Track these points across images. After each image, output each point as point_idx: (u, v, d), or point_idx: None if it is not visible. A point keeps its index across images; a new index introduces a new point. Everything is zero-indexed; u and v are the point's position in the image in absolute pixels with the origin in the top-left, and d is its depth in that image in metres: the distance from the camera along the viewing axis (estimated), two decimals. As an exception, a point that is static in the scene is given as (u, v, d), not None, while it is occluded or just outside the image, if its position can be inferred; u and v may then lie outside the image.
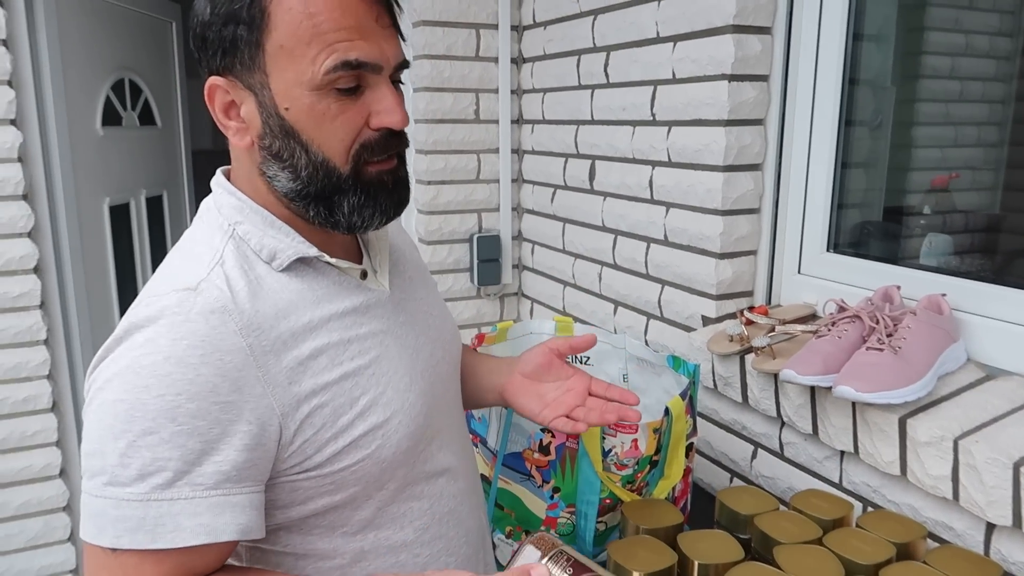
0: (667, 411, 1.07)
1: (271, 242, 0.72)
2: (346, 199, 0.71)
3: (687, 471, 1.17)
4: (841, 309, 1.12)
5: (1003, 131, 1.31)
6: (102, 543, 0.64)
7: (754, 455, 1.28)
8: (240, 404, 0.65)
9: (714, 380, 1.30)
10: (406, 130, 0.74)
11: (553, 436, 1.05)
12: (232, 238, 0.72)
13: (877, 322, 1.05)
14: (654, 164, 1.50)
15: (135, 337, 0.65)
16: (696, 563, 0.90)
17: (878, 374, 0.98)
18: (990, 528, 0.93)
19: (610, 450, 1.05)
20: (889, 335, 1.03)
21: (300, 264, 0.73)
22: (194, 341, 0.64)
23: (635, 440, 1.04)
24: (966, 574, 0.86)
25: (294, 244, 0.72)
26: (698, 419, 1.40)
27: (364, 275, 0.78)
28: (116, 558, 0.64)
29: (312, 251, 0.72)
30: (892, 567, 0.88)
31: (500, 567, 1.10)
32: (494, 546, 1.09)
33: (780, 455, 1.23)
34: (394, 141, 0.72)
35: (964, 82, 1.35)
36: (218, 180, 0.76)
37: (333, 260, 0.74)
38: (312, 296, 0.72)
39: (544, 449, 1.05)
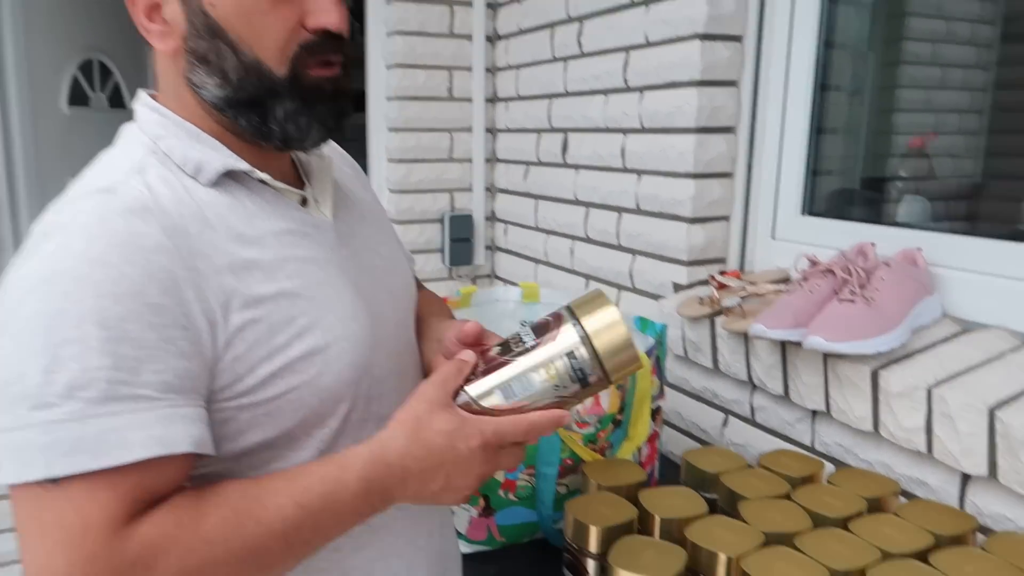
0: (631, 367, 1.02)
1: (196, 155, 0.67)
2: (280, 104, 0.66)
3: (654, 436, 1.12)
4: (813, 264, 1.08)
5: (984, 96, 1.28)
6: (32, 476, 0.54)
7: (725, 423, 1.24)
8: (171, 308, 0.59)
9: (684, 347, 1.26)
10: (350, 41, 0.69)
11: (512, 393, 1.00)
12: (154, 153, 0.67)
13: (850, 274, 1.00)
14: (626, 131, 1.46)
15: (44, 247, 0.60)
16: (658, 518, 0.85)
17: (850, 324, 0.94)
18: (964, 481, 0.88)
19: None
20: (862, 287, 0.99)
21: (230, 181, 0.68)
22: (113, 241, 0.59)
23: (597, 396, 0.99)
24: (940, 526, 0.82)
25: (222, 157, 0.67)
26: (668, 390, 1.36)
27: (304, 202, 0.74)
28: (58, 492, 0.55)
29: (242, 164, 0.68)
30: (862, 520, 0.84)
31: (458, 533, 1.05)
32: (451, 511, 1.03)
33: (751, 421, 1.19)
34: (335, 44, 0.68)
35: (943, 46, 1.32)
36: (140, 98, 0.71)
37: (267, 177, 0.69)
38: (244, 212, 0.67)
39: (502, 406, 1.00)
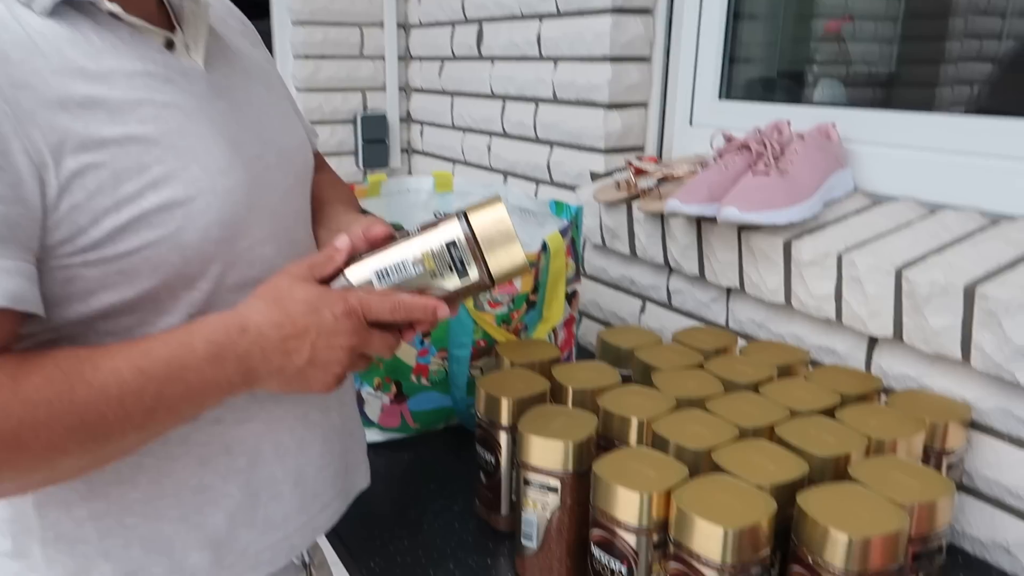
0: (544, 246, 0.99)
1: None
2: None
3: (570, 321, 1.10)
4: (729, 141, 1.06)
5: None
6: None
7: (642, 309, 1.23)
8: None
9: (602, 235, 1.23)
10: None
11: (422, 274, 0.96)
12: None
13: (765, 148, 0.99)
14: (542, 17, 1.39)
15: None
16: (570, 389, 0.83)
17: (763, 195, 0.93)
18: (871, 345, 0.90)
19: (483, 285, 0.96)
20: (776, 159, 0.97)
21: (74, 12, 0.58)
22: None
23: (509, 273, 0.96)
24: (846, 387, 0.83)
25: None
26: (587, 282, 1.34)
27: (171, 45, 0.66)
28: None
29: None
30: (772, 384, 0.84)
31: (370, 422, 1.02)
32: (362, 400, 1.00)
33: (668, 305, 1.18)
34: None
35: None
36: None
37: (117, 9, 0.60)
38: (89, 47, 0.58)
39: (412, 289, 0.96)
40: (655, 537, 0.64)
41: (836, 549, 0.58)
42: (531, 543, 0.76)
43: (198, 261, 0.60)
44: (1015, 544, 0.78)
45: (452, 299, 0.63)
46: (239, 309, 0.58)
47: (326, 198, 0.80)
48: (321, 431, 0.70)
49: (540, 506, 0.74)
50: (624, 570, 0.65)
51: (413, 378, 0.99)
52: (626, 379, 0.89)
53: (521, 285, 0.97)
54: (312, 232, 0.74)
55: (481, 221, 0.62)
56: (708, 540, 0.59)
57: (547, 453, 0.72)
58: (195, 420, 0.60)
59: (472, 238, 0.61)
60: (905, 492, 0.63)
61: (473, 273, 0.62)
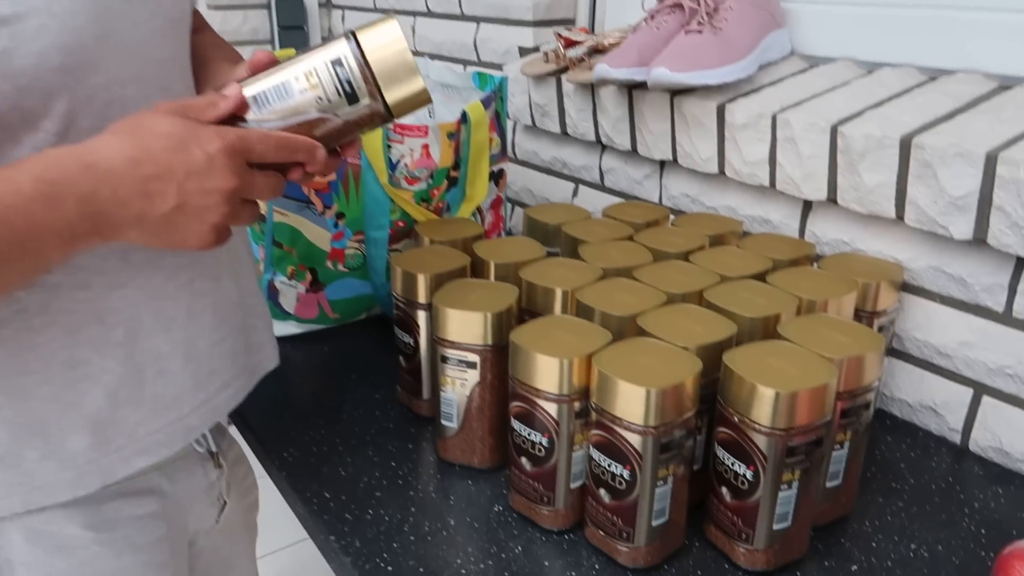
0: (464, 116, 0.92)
1: None
2: None
3: (497, 203, 1.05)
4: (660, 1, 0.98)
5: None
6: None
7: (575, 192, 1.18)
8: None
9: (531, 115, 1.16)
10: None
11: (332, 150, 0.88)
12: None
13: (698, 5, 0.92)
14: None
15: None
16: (492, 263, 0.78)
17: (696, 54, 0.87)
18: (805, 212, 0.86)
19: (398, 161, 0.89)
20: (709, 16, 0.91)
21: None
22: None
23: (425, 146, 0.89)
24: (779, 253, 0.79)
25: None
26: (518, 168, 1.28)
27: None
28: None
29: None
30: (703, 252, 0.80)
31: (286, 314, 0.96)
32: (276, 291, 0.94)
33: (600, 186, 1.13)
34: None
35: None
36: None
37: None
38: None
39: (322, 167, 0.88)
40: (576, 406, 0.61)
41: (763, 406, 0.55)
42: (451, 423, 0.72)
43: (37, 93, 0.51)
44: (942, 404, 0.77)
45: (347, 131, 0.56)
46: (86, 143, 0.49)
47: (210, 56, 0.71)
48: (212, 301, 0.63)
49: (459, 384, 0.70)
50: (545, 442, 0.62)
51: (329, 264, 0.93)
52: (553, 256, 0.85)
53: (440, 158, 0.91)
54: (193, 88, 0.66)
55: (371, 39, 0.54)
56: (630, 403, 0.55)
57: (464, 326, 0.68)
58: (48, 281, 0.53)
59: (361, 58, 0.54)
60: (834, 347, 0.60)
61: (365, 99, 0.55)
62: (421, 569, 0.61)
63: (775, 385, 0.55)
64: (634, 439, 0.56)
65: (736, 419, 0.57)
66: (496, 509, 0.68)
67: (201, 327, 0.63)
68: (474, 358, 0.68)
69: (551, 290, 0.72)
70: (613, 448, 0.57)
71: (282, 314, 0.96)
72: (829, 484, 0.63)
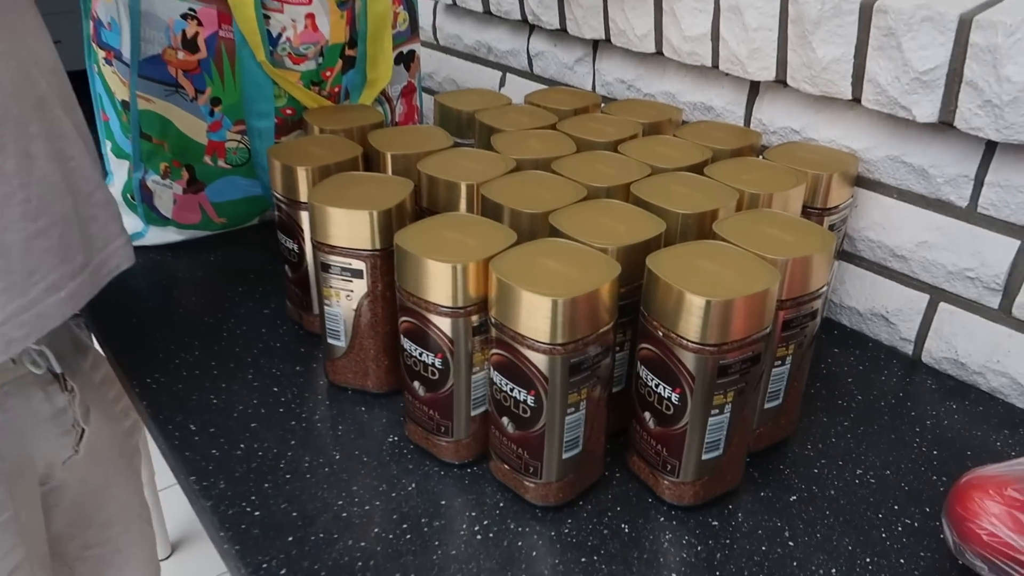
0: (361, -17, 0.78)
1: None
2: None
3: (409, 90, 0.92)
4: None
5: None
6: None
7: (502, 82, 1.05)
8: None
9: (451, -9, 1.02)
10: None
11: (200, 23, 0.74)
12: None
13: None
14: None
15: None
16: (388, 155, 0.67)
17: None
18: (752, 95, 0.76)
19: (279, 35, 0.76)
20: None
21: None
22: None
23: (310, 16, 0.75)
24: (720, 143, 0.69)
25: None
26: (438, 56, 1.14)
27: None
28: None
29: None
30: (635, 142, 0.70)
31: (164, 219, 0.83)
32: (149, 192, 0.81)
33: (529, 73, 1.00)
34: None
35: None
36: None
37: None
38: None
39: (190, 44, 0.74)
40: (474, 320, 0.51)
41: (690, 317, 0.46)
42: (339, 342, 0.62)
43: None
44: (894, 312, 0.70)
45: None
46: None
47: None
48: (20, 183, 0.51)
49: (344, 296, 0.59)
50: (439, 364, 0.52)
51: (207, 160, 0.80)
52: (464, 147, 0.73)
53: (330, 33, 0.77)
54: None
55: None
56: (533, 316, 0.46)
57: (347, 228, 0.57)
58: None
59: None
60: (777, 247, 0.51)
61: None
62: (294, 513, 0.52)
63: (705, 292, 0.45)
64: (539, 360, 0.47)
65: (660, 333, 0.48)
66: (391, 440, 0.59)
67: (7, 218, 0.50)
68: (360, 265, 0.58)
69: (454, 185, 0.61)
70: (515, 370, 0.48)
71: (159, 219, 0.83)
72: (768, 405, 0.55)
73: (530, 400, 0.48)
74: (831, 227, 0.67)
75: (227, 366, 0.67)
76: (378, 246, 0.57)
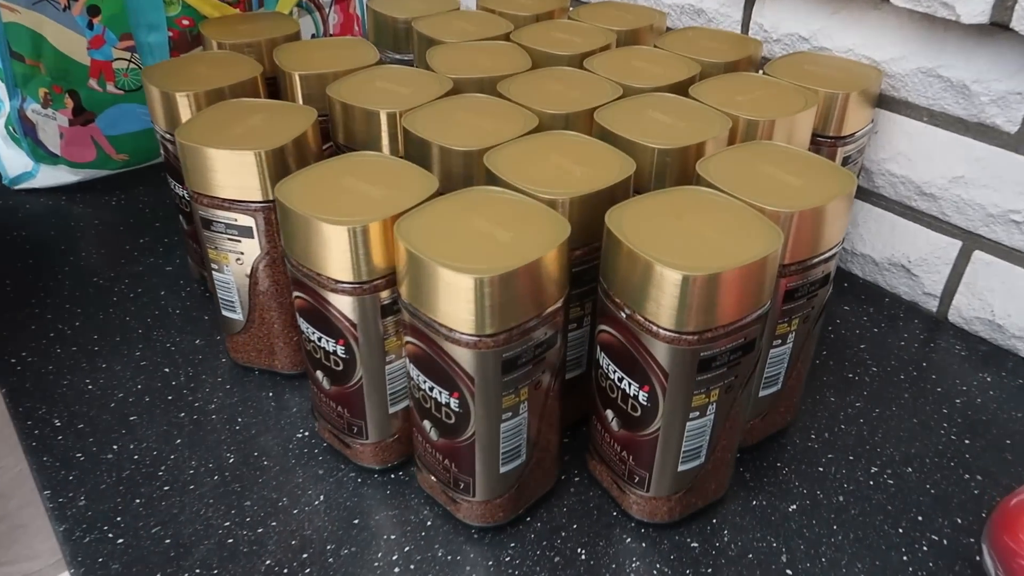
0: None
1: None
2: None
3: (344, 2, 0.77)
4: None
5: None
6: None
7: (458, -16, 0.90)
8: None
9: None
10: None
11: (66, -90, 0.59)
12: None
13: None
14: None
15: None
16: (296, 75, 0.53)
17: None
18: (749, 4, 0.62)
19: (165, -76, 0.61)
20: None
21: None
22: None
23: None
24: (711, 55, 0.56)
25: None
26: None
27: None
28: None
29: None
30: (604, 55, 0.56)
31: (53, 156, 0.70)
32: (31, 124, 0.68)
33: (488, -27, 0.85)
34: None
35: None
36: None
37: None
38: None
39: (57, -63, 0.60)
40: (384, 297, 0.39)
41: (662, 296, 0.34)
42: (235, 314, 0.50)
43: None
44: (918, 261, 0.58)
45: None
46: None
47: None
48: None
49: (235, 259, 0.47)
50: (341, 352, 0.41)
51: (93, 84, 0.66)
52: (397, 64, 0.60)
53: (229, -78, 0.62)
54: None
55: None
56: (451, 299, 0.34)
57: (228, 173, 0.44)
58: None
59: None
60: (781, 194, 0.38)
61: None
62: (167, 540, 0.41)
63: (683, 262, 0.33)
64: (461, 355, 0.35)
65: (623, 315, 0.36)
66: (299, 436, 0.48)
67: None
68: (248, 221, 0.45)
69: (371, 114, 0.48)
70: (433, 366, 0.37)
71: (48, 156, 0.70)
72: (764, 392, 0.44)
73: (454, 404, 0.37)
74: (846, 160, 0.54)
75: (111, 340, 0.55)
76: (271, 196, 0.45)
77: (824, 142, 0.53)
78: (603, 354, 0.39)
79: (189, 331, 0.56)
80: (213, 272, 0.48)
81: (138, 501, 0.43)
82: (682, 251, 0.34)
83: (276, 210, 0.44)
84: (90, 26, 0.63)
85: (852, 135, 0.53)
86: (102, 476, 0.45)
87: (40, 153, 0.70)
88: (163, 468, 0.45)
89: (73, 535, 0.41)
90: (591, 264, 0.41)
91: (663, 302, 0.34)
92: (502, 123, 0.46)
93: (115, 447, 0.47)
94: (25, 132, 0.69)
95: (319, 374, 0.43)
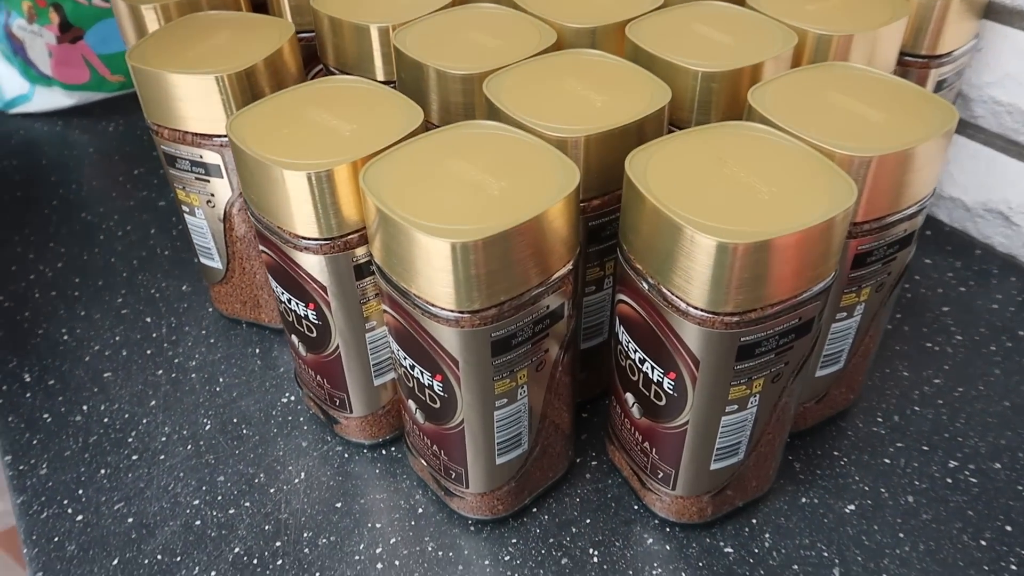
0: None
1: None
2: None
3: None
4: None
5: None
6: None
7: None
8: None
9: None
10: None
11: None
12: None
13: None
14: None
15: None
16: (282, -15, 0.46)
17: None
18: None
19: None
20: None
21: None
22: None
23: None
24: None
25: None
26: None
27: None
28: None
29: None
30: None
31: (45, 78, 0.64)
32: (19, 41, 0.62)
33: None
34: None
35: None
36: None
37: None
38: None
39: None
40: (359, 255, 0.32)
41: (695, 267, 0.26)
42: (214, 262, 0.44)
43: None
44: (1020, 207, 0.49)
45: None
46: None
47: None
48: None
49: (206, 201, 0.41)
50: (313, 316, 0.35)
51: (75, -4, 0.60)
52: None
53: None
54: None
55: None
56: (429, 267, 0.27)
57: (188, 101, 0.37)
58: None
59: None
60: (857, 132, 0.30)
61: None
62: (130, 519, 0.37)
63: (723, 224, 0.26)
64: (444, 334, 0.28)
65: (645, 286, 0.29)
66: (285, 400, 0.43)
67: None
68: (214, 158, 0.39)
69: (360, 29, 0.40)
70: (413, 344, 0.30)
71: (41, 77, 0.64)
72: (821, 372, 0.37)
73: (437, 387, 0.31)
74: (940, 85, 0.44)
75: (93, 284, 0.50)
76: (240, 129, 0.38)
77: (914, 63, 0.43)
78: (622, 328, 0.32)
79: (176, 275, 0.51)
80: (185, 215, 0.43)
81: (103, 472, 0.39)
82: (722, 209, 0.26)
83: (247, 145, 0.38)
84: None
85: (950, 53, 0.44)
86: (67, 441, 0.41)
87: (32, 74, 0.64)
88: (133, 434, 0.41)
89: (31, 508, 0.37)
90: (613, 216, 0.34)
91: (695, 274, 0.27)
92: (513, 41, 0.38)
93: (85, 407, 0.42)
94: (15, 51, 0.63)
95: (294, 339, 0.37)
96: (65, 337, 0.47)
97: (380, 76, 0.41)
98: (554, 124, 0.31)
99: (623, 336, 0.32)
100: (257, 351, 0.45)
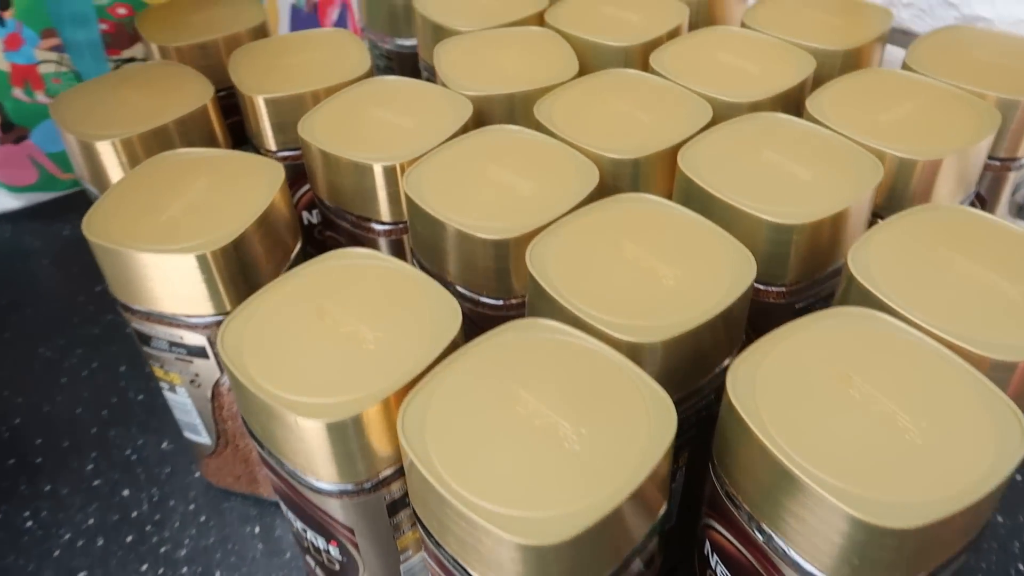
0: None
1: None
2: None
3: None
4: None
5: None
6: None
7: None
8: None
9: None
10: None
11: None
12: None
13: None
14: None
15: None
16: (259, 100, 0.39)
17: None
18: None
19: None
20: None
21: None
22: None
23: None
24: (830, 33, 0.41)
25: None
26: None
27: None
28: None
29: None
30: (678, 40, 0.41)
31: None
32: (-47, 144, 0.55)
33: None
34: None
35: None
36: None
37: None
38: None
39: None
40: (393, 492, 0.26)
41: (828, 530, 0.21)
42: (202, 438, 0.38)
43: None
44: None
45: None
46: None
47: None
48: None
49: (189, 381, 0.35)
50: (337, 554, 0.28)
51: (19, 93, 0.53)
52: (394, 75, 0.46)
53: None
54: None
55: None
56: (490, 550, 0.21)
57: (164, 282, 0.31)
58: None
59: None
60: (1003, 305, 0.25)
61: None
62: None
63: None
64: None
65: (761, 536, 0.23)
66: (295, 596, 0.37)
67: None
68: (198, 340, 0.32)
69: (363, 169, 0.34)
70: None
71: (-18, 180, 0.57)
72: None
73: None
74: (1019, 187, 0.40)
75: (58, 445, 0.44)
76: (227, 308, 0.32)
77: (991, 165, 0.38)
78: (717, 558, 0.26)
79: (155, 428, 0.44)
80: (165, 392, 0.36)
81: None
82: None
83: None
84: (1, 22, 0.49)
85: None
86: (40, 675, 0.34)
87: (-27, 176, 0.57)
88: (119, 659, 0.35)
89: None
90: (700, 414, 0.28)
91: (826, 534, 0.21)
92: (545, 187, 0.32)
93: (58, 624, 0.36)
94: (-49, 152, 0.56)
95: (311, 562, 0.31)
96: (29, 523, 0.40)
97: (385, 252, 0.35)
98: (622, 322, 0.25)
99: (719, 566, 0.26)
100: (257, 530, 0.39)
